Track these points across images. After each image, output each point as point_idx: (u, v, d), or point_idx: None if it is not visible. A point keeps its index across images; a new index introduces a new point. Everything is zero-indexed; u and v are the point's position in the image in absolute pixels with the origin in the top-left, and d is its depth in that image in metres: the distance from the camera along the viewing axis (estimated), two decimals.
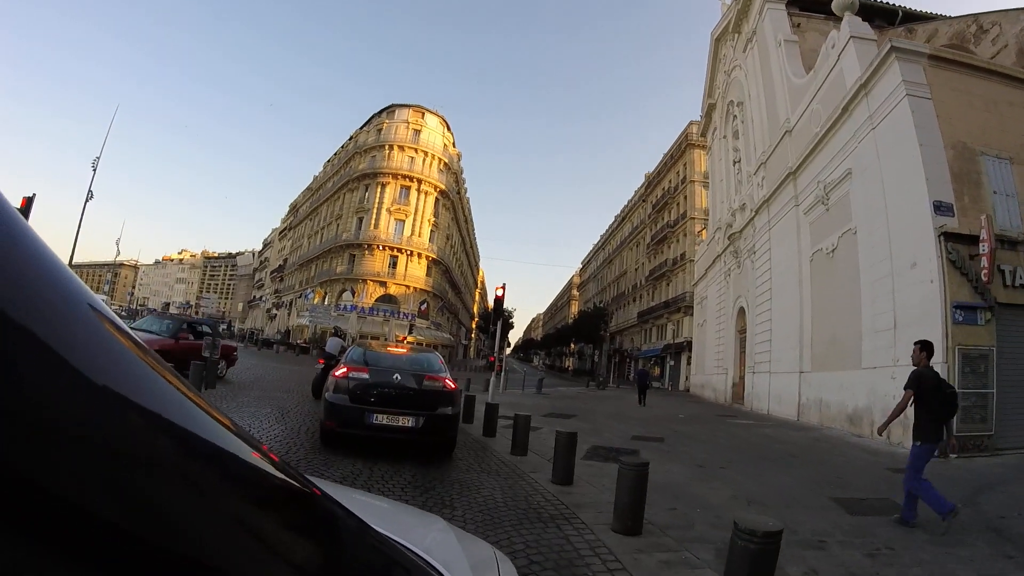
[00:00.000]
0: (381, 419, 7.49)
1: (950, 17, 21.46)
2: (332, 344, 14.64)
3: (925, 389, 6.26)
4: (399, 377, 7.80)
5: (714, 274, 33.80)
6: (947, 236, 12.09)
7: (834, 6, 17.13)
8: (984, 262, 11.61)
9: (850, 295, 16.21)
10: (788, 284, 21.06)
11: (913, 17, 22.31)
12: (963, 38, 19.59)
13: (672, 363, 50.08)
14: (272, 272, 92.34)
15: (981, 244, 11.68)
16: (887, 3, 21.94)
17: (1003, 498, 8.10)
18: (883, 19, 17.65)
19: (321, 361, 14.33)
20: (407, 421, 7.57)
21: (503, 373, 26.53)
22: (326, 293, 57.30)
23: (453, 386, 8.29)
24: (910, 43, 13.90)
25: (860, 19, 16.27)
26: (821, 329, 18.19)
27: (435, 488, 6.52)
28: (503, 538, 4.96)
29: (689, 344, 42.76)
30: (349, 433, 7.58)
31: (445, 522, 1.66)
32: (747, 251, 26.95)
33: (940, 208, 12.43)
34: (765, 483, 8.33)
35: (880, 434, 7.06)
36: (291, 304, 69.31)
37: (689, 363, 42.60)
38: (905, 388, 6.39)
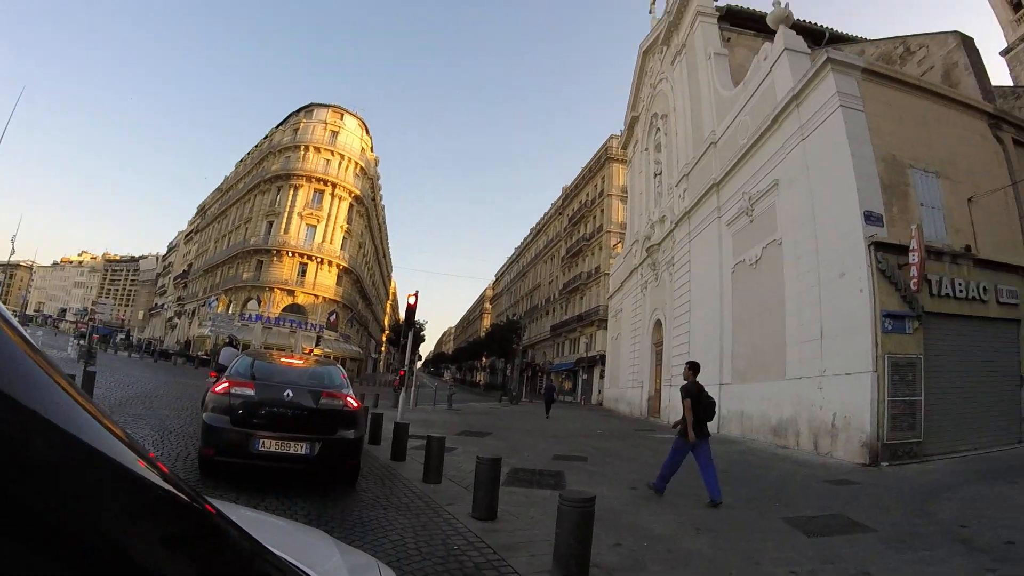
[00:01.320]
0: (269, 445, 6.19)
1: (876, 40, 22.40)
2: (226, 355, 12.73)
3: (697, 394, 8.08)
4: (291, 394, 6.50)
5: (630, 287, 33.86)
6: (877, 246, 12.03)
7: (769, 19, 17.20)
8: (914, 271, 11.58)
9: (774, 306, 16.09)
10: (708, 296, 20.96)
11: (839, 39, 23.10)
12: (890, 59, 20.32)
13: (585, 377, 50.11)
14: (175, 278, 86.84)
15: (911, 254, 11.67)
16: (815, 24, 22.46)
17: (955, 505, 7.83)
18: (810, 39, 17.99)
19: (213, 374, 12.53)
20: (300, 448, 6.31)
21: (413, 388, 25.79)
22: (231, 301, 53.85)
23: (356, 405, 7.08)
24: (846, 55, 13.97)
25: (794, 33, 16.37)
26: (742, 341, 18.05)
27: (332, 532, 5.26)
28: None
29: (602, 358, 42.75)
30: (231, 462, 6.26)
31: (328, 536, 1.74)
32: (666, 263, 26.95)
33: (870, 218, 12.41)
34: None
35: (675, 430, 8.49)
36: (194, 313, 65.40)
37: (602, 377, 42.60)
38: (684, 399, 8.08)
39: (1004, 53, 41.02)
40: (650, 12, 31.07)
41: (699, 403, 7.99)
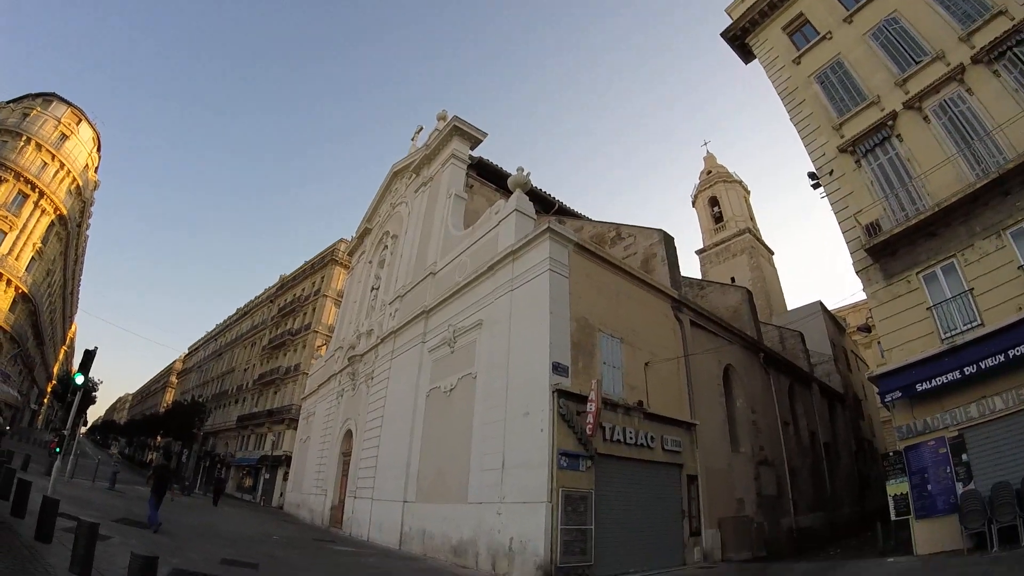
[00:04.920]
0: None
1: (596, 220, 27.04)
2: None
3: (159, 474, 14.87)
4: None
5: (327, 392, 33.01)
6: (560, 393, 13.84)
7: (510, 181, 19.46)
8: (590, 418, 13.54)
9: (462, 434, 16.95)
10: (402, 414, 21.31)
11: (566, 212, 27.38)
12: (602, 240, 24.69)
13: (268, 476, 45.89)
14: None
15: (589, 404, 13.69)
16: (548, 195, 26.50)
17: None
18: (541, 205, 20.93)
19: None
20: None
21: (73, 456, 21.71)
22: None
23: None
24: (564, 229, 16.55)
25: (527, 198, 18.78)
26: (429, 462, 18.55)
27: None
28: None
29: (288, 459, 40.16)
30: None
31: None
32: (365, 375, 27.02)
33: (557, 368, 14.33)
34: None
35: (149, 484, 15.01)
36: None
37: (286, 479, 39.68)
38: (153, 470, 15.64)
39: (699, 252, 52.96)
40: (412, 139, 33.17)
41: (163, 478, 14.78)
